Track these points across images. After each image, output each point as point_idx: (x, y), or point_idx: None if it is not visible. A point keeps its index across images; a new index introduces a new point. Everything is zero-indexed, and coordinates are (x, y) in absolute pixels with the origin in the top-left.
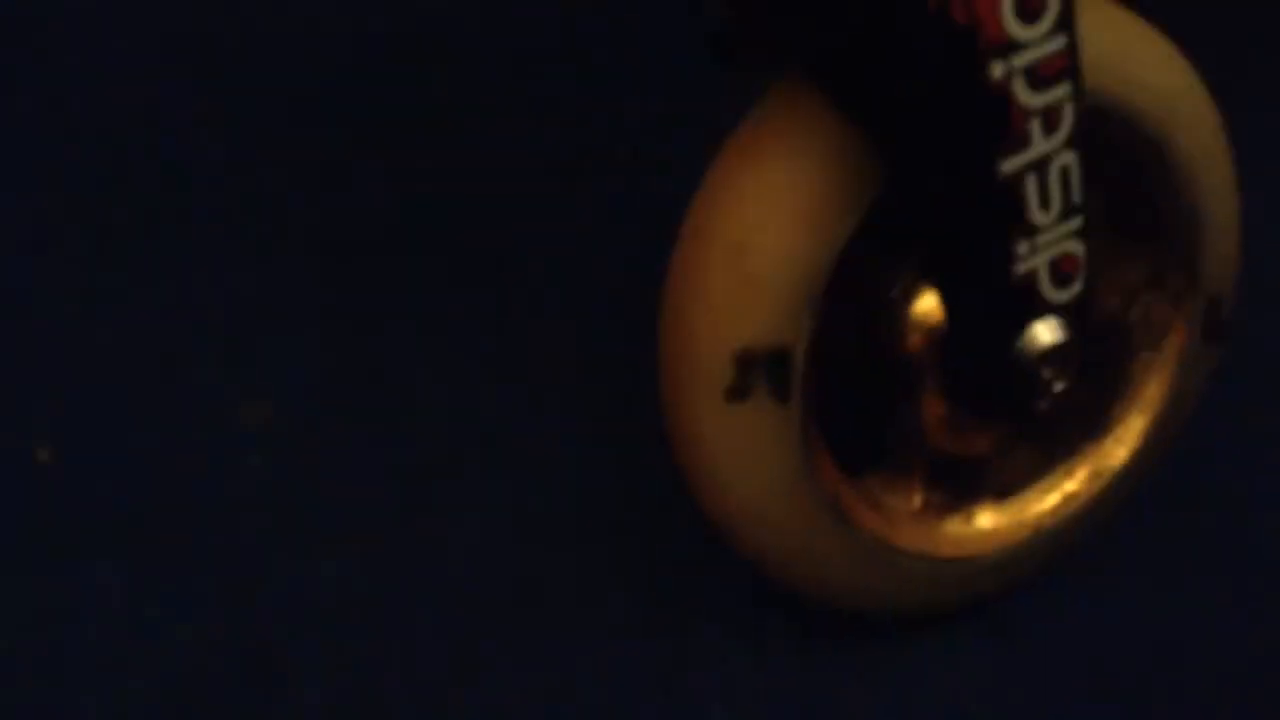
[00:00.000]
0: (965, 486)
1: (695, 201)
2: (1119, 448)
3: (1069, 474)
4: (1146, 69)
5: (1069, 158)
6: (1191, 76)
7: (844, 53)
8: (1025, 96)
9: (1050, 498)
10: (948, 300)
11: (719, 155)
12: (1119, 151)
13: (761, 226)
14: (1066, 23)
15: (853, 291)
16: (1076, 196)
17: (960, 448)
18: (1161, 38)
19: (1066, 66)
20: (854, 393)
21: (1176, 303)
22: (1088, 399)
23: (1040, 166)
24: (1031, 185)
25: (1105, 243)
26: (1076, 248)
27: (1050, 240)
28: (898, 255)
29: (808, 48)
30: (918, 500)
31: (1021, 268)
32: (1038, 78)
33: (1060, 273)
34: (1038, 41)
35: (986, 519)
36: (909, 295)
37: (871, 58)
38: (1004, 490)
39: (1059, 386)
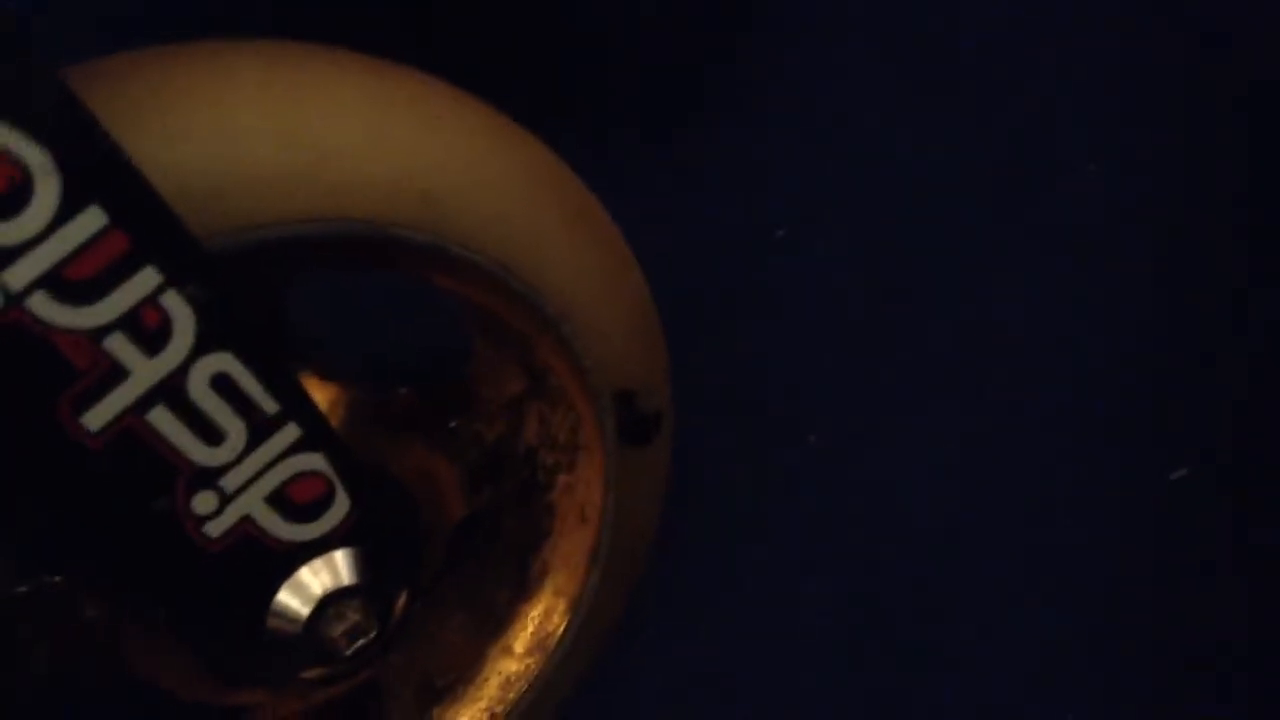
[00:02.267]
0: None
1: None
2: (560, 599)
3: (506, 650)
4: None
5: (219, 361)
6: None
7: None
8: (66, 318)
9: (489, 687)
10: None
11: None
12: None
13: None
14: (88, 198)
15: None
16: (268, 403)
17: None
18: (437, 112)
19: (125, 253)
20: None
21: (573, 409)
22: (506, 553)
23: (168, 393)
24: (168, 422)
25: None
26: (310, 461)
27: (251, 474)
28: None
29: None
30: None
31: (218, 528)
32: (74, 287)
33: (297, 503)
34: (37, 239)
35: None
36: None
37: None
38: (431, 694)
39: (377, 610)
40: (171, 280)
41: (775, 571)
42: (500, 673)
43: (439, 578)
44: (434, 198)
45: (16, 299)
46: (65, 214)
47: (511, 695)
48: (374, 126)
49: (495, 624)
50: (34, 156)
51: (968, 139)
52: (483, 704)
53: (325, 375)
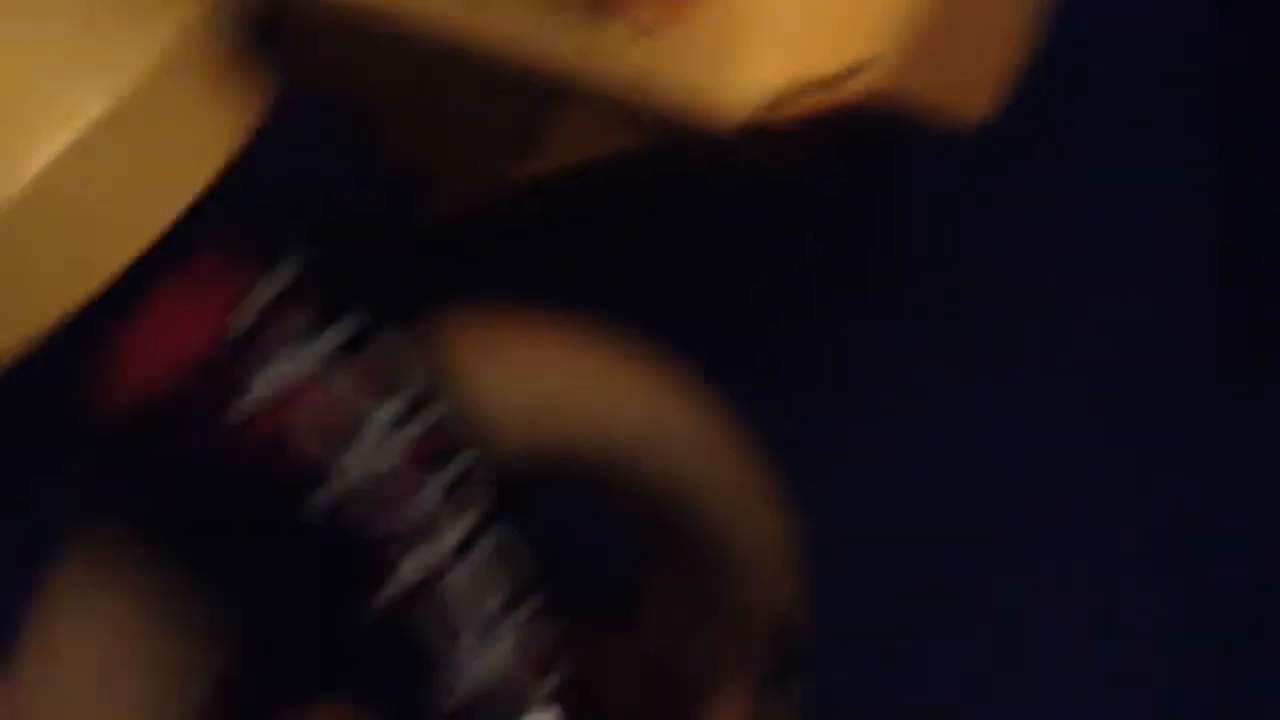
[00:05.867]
0: None
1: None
2: None
3: None
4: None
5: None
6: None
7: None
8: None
9: None
10: None
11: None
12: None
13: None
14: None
15: None
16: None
17: None
18: (642, 372)
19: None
20: None
21: (730, 639)
22: None
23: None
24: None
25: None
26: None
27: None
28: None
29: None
30: None
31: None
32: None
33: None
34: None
35: None
36: None
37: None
38: None
39: None
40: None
41: None
42: None
43: None
44: (645, 448)
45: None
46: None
47: None
48: (614, 388)
49: None
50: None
51: None
52: None
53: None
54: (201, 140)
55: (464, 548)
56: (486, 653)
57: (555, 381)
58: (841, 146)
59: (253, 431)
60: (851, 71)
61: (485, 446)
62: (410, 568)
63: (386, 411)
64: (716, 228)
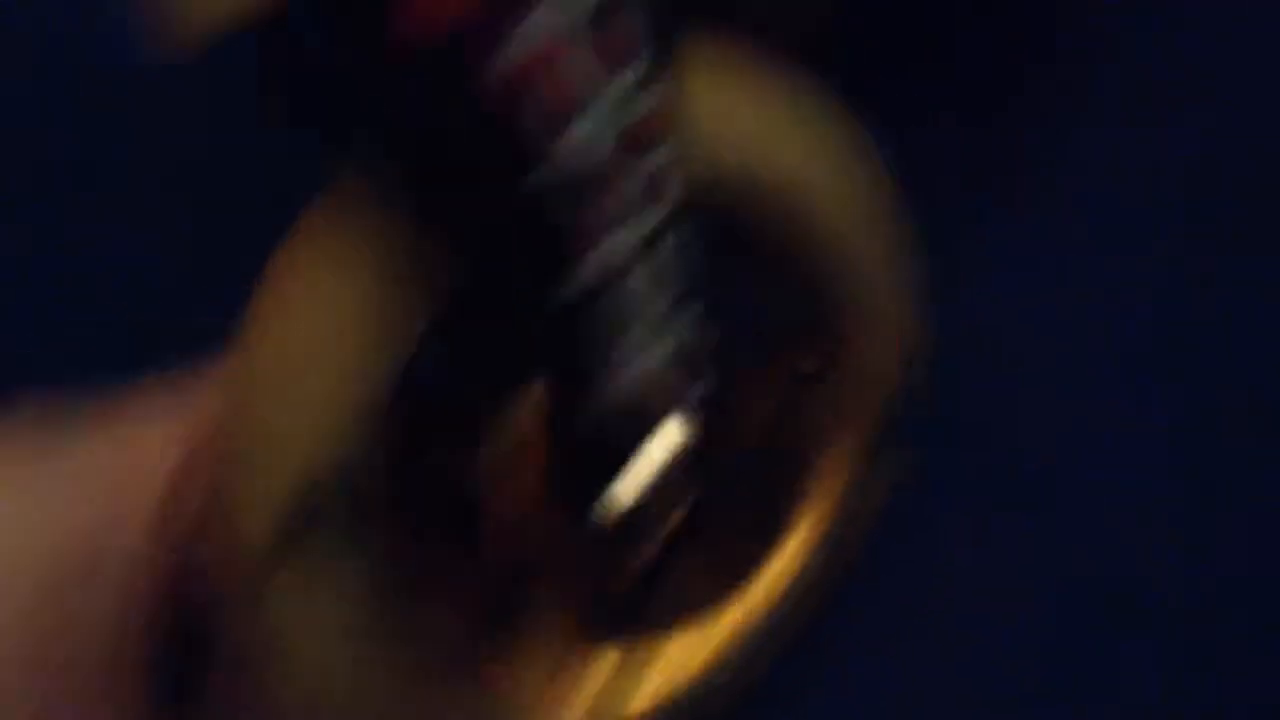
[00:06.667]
0: (630, 619)
1: (251, 309)
2: (803, 544)
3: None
4: (776, 146)
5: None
6: (839, 153)
7: (408, 148)
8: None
9: (730, 615)
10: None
11: (274, 260)
12: (758, 235)
13: (317, 339)
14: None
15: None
16: (693, 277)
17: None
18: (803, 108)
19: (664, 127)
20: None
21: (848, 396)
22: (758, 507)
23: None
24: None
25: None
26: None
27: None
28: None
29: (375, 137)
30: (564, 649)
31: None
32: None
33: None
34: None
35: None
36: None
37: (434, 156)
38: (676, 614)
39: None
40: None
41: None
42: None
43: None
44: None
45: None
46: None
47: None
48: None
49: (767, 536)
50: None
51: None
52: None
53: None
54: None
55: (652, 240)
56: (651, 347)
57: (753, 120)
58: None
59: (506, 81)
60: None
61: (688, 145)
62: (603, 252)
63: (617, 87)
64: None
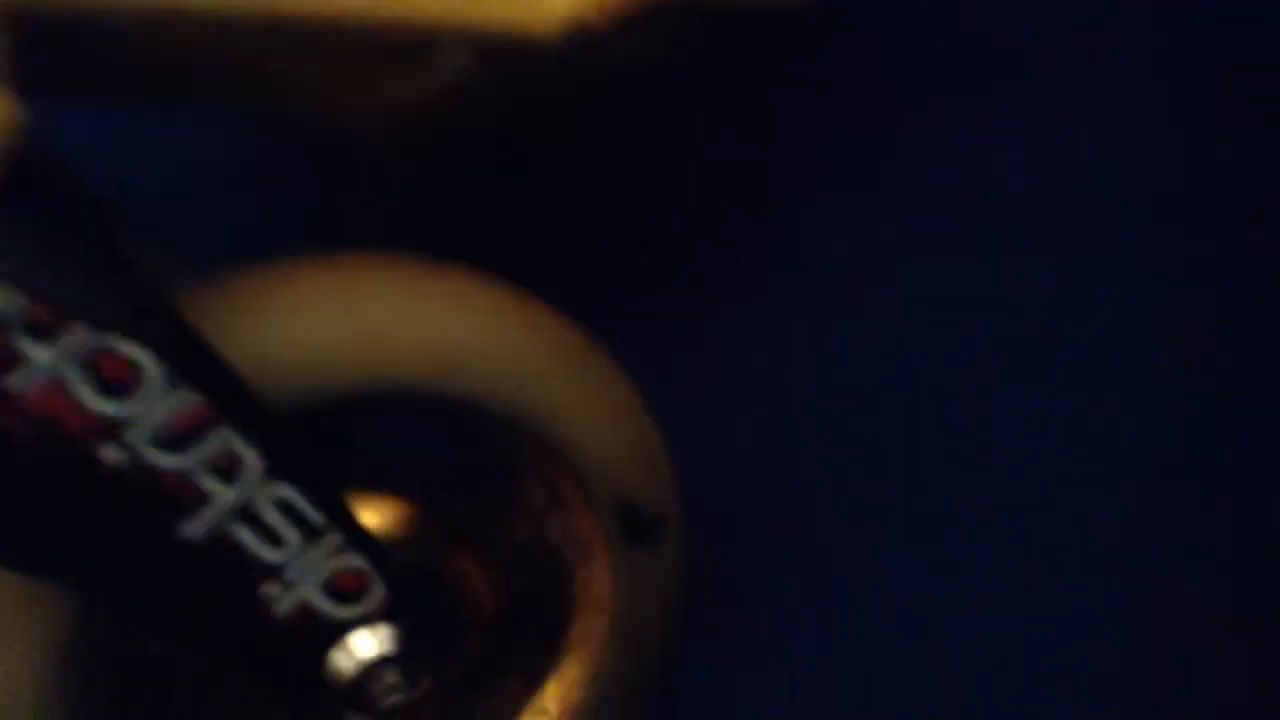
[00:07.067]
0: None
1: None
2: (582, 672)
3: (542, 712)
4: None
5: (279, 490)
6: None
7: None
8: (167, 461)
9: None
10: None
11: None
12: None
13: None
14: (186, 377)
15: None
16: (316, 518)
17: None
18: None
19: (210, 416)
20: None
21: (585, 516)
22: (541, 631)
23: (243, 513)
24: (243, 532)
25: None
26: (350, 561)
27: (306, 568)
28: None
29: None
30: None
31: (284, 606)
32: (171, 440)
33: (342, 590)
34: (145, 410)
35: None
36: None
37: None
38: None
39: (409, 677)
40: (244, 435)
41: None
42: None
43: (489, 648)
44: (456, 363)
45: (135, 450)
46: (166, 392)
47: None
48: (412, 312)
49: (533, 689)
50: (145, 357)
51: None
52: None
53: (398, 494)
54: None
55: (243, 510)
56: (292, 591)
57: (330, 325)
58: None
59: (32, 398)
60: None
61: (257, 409)
62: (199, 524)
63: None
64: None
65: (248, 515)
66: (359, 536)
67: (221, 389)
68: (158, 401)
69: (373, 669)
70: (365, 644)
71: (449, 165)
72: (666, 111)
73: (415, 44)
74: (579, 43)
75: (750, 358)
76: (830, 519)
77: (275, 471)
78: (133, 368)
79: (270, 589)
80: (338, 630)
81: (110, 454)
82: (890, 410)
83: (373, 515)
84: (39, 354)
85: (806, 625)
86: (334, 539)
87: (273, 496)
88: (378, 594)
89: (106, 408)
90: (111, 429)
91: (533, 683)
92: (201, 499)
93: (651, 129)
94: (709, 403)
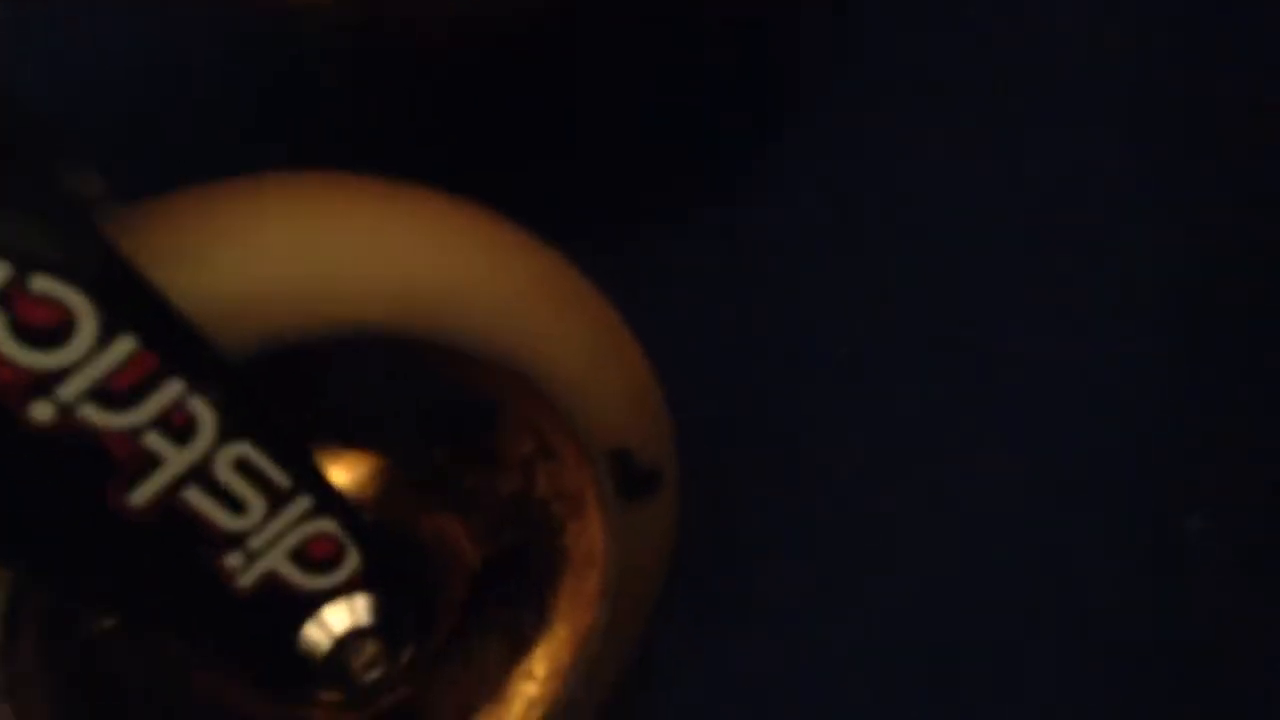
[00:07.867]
0: None
1: None
2: (573, 631)
3: (528, 675)
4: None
5: (239, 449)
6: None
7: None
8: (109, 421)
9: (513, 708)
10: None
11: None
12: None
13: None
14: (125, 322)
15: None
16: (283, 479)
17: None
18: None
19: (155, 366)
20: None
21: (576, 467)
22: (529, 589)
23: (197, 476)
24: (199, 498)
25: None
26: (322, 525)
27: (272, 537)
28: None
29: None
30: None
31: (247, 579)
32: (111, 395)
33: (313, 559)
34: (82, 362)
35: None
36: None
37: None
38: (466, 714)
39: (391, 649)
40: (194, 388)
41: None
42: (523, 696)
43: (472, 611)
44: (433, 299)
45: (70, 408)
46: (104, 341)
47: (534, 715)
48: (382, 242)
49: (520, 651)
50: (76, 299)
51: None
52: None
53: (367, 447)
54: None
55: (198, 473)
56: (257, 562)
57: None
58: None
59: None
60: None
61: (209, 357)
62: (149, 490)
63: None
64: None
65: (204, 479)
66: (330, 498)
67: (167, 335)
68: (94, 351)
69: (350, 642)
70: (340, 616)
71: (429, 78)
72: (674, 44)
73: None
74: None
75: (755, 296)
76: (836, 472)
77: (233, 428)
78: (62, 312)
79: (232, 560)
80: (310, 602)
81: (41, 413)
82: (901, 356)
83: (340, 472)
84: None
85: (805, 583)
86: (303, 502)
87: (231, 457)
88: (353, 561)
89: (34, 359)
90: (41, 384)
91: (519, 645)
92: (150, 462)
93: (653, 58)
94: (710, 345)
